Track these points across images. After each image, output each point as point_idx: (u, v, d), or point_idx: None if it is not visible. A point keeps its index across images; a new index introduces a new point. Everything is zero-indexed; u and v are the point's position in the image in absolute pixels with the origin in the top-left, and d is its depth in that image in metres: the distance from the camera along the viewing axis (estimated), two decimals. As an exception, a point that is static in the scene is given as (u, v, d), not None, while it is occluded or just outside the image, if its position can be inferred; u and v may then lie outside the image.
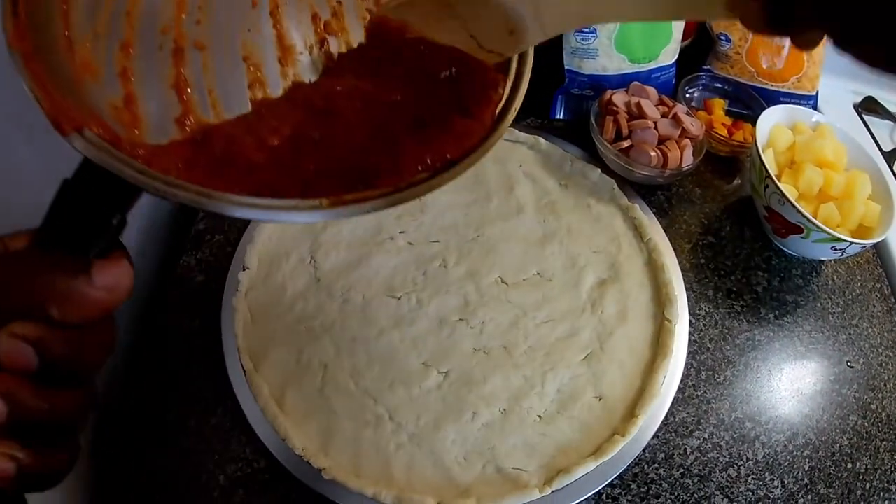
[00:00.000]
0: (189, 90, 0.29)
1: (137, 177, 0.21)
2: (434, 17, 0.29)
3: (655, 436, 0.46)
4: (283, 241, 0.54)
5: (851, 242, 0.53)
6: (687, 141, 0.58)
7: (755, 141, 0.57)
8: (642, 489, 0.45)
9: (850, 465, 0.48)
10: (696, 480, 0.46)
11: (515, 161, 0.60)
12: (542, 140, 0.61)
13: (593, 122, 0.60)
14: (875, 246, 0.63)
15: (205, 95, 0.30)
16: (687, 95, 0.68)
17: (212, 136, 0.27)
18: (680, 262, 0.56)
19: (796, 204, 0.53)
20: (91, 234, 0.23)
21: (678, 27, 0.65)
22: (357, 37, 0.35)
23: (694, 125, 0.59)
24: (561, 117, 0.67)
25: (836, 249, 0.55)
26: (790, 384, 0.52)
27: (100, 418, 0.47)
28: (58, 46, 0.24)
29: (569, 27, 0.27)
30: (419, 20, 0.29)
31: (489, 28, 0.26)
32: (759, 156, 0.55)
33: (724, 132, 0.64)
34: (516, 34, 0.26)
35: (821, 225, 0.52)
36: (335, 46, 0.35)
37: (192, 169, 0.25)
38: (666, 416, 0.47)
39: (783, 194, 0.53)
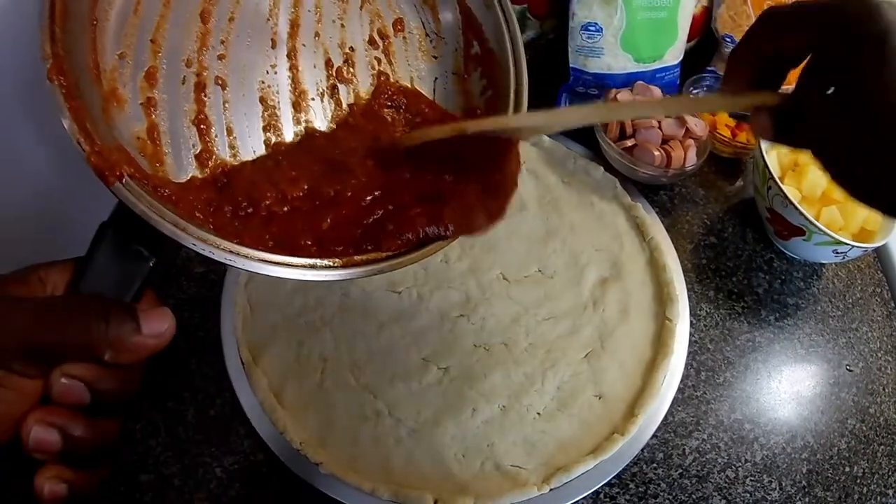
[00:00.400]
0: (209, 127, 0.30)
1: (174, 231, 0.23)
2: None
3: (654, 435, 0.46)
4: (285, 234, 0.53)
5: (853, 246, 0.53)
6: (691, 141, 0.58)
7: (758, 142, 0.57)
8: (640, 489, 0.45)
9: (847, 469, 0.48)
10: (694, 481, 0.46)
11: (519, 158, 0.60)
12: (545, 137, 0.61)
13: (597, 120, 0.59)
14: (876, 250, 0.63)
15: (224, 134, 0.30)
16: (691, 96, 0.68)
17: (234, 181, 0.29)
18: (682, 262, 0.56)
19: (799, 206, 0.53)
20: (129, 277, 0.24)
21: (684, 28, 0.65)
22: (365, 87, 0.36)
23: (698, 125, 0.59)
24: (565, 115, 0.66)
25: (837, 253, 0.55)
26: (789, 386, 0.52)
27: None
28: (87, 73, 0.24)
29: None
30: None
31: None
32: (763, 157, 0.55)
33: (728, 133, 0.64)
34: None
35: (823, 228, 0.52)
36: (344, 95, 0.35)
37: (216, 214, 0.27)
38: (665, 416, 0.47)
39: (786, 196, 0.53)
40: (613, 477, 0.44)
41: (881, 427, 0.51)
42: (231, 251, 0.24)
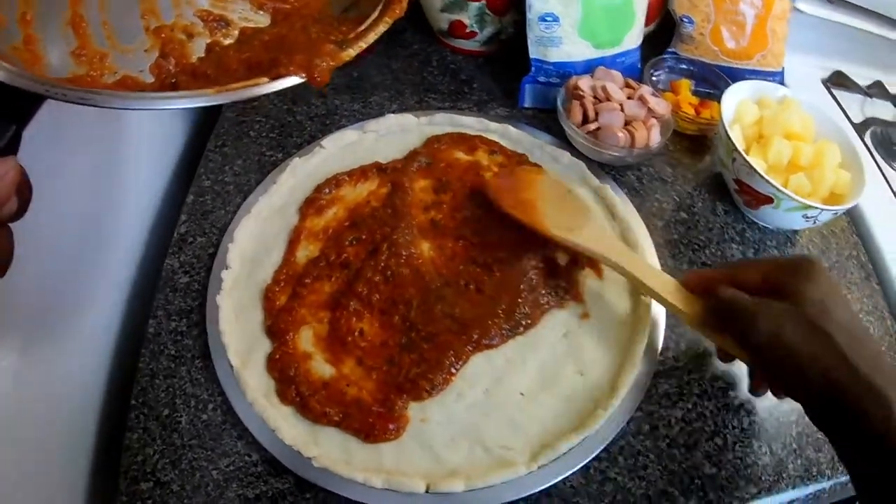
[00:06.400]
0: (84, 25, 0.31)
1: (30, 84, 0.24)
2: None
3: (639, 408, 0.47)
4: (264, 239, 0.55)
5: (822, 209, 0.54)
6: (654, 121, 0.59)
7: (721, 115, 0.58)
8: (629, 461, 0.46)
9: (836, 428, 0.48)
10: (682, 450, 0.46)
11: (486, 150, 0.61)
12: (511, 128, 0.62)
13: (560, 107, 0.61)
14: (849, 214, 0.63)
15: (99, 28, 0.32)
16: (653, 78, 0.69)
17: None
18: (654, 239, 0.57)
19: (763, 174, 0.54)
20: None
21: (641, 12, 0.66)
22: None
23: (660, 105, 0.60)
24: (528, 106, 0.68)
25: (807, 218, 0.56)
26: (771, 351, 0.52)
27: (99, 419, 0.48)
28: None
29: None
30: None
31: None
32: (726, 130, 0.57)
33: (692, 111, 0.66)
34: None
35: (790, 193, 0.53)
36: None
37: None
38: (648, 388, 0.48)
39: (751, 165, 0.54)
40: (602, 451, 0.45)
41: (867, 385, 0.51)
42: (87, 91, 0.25)
